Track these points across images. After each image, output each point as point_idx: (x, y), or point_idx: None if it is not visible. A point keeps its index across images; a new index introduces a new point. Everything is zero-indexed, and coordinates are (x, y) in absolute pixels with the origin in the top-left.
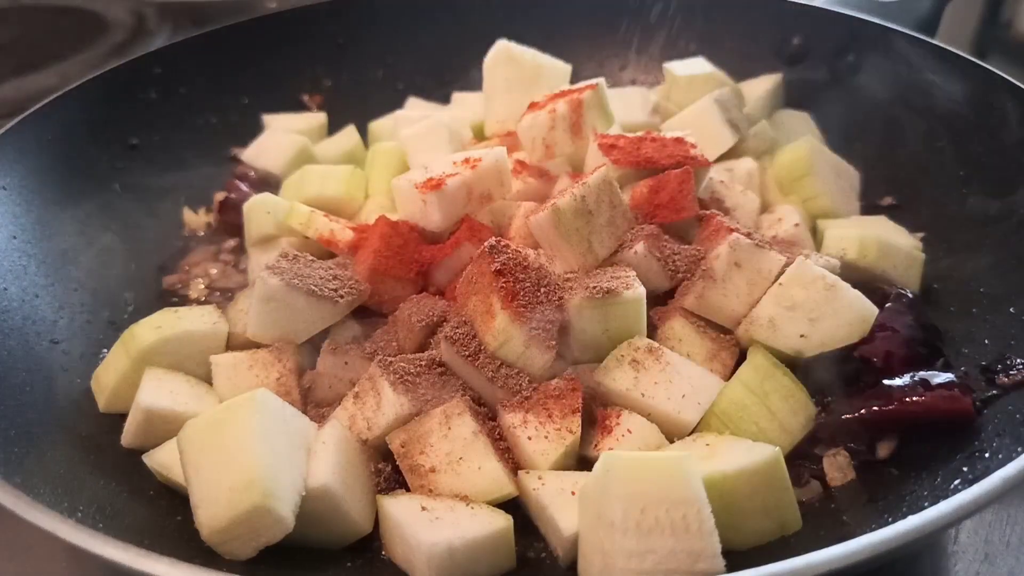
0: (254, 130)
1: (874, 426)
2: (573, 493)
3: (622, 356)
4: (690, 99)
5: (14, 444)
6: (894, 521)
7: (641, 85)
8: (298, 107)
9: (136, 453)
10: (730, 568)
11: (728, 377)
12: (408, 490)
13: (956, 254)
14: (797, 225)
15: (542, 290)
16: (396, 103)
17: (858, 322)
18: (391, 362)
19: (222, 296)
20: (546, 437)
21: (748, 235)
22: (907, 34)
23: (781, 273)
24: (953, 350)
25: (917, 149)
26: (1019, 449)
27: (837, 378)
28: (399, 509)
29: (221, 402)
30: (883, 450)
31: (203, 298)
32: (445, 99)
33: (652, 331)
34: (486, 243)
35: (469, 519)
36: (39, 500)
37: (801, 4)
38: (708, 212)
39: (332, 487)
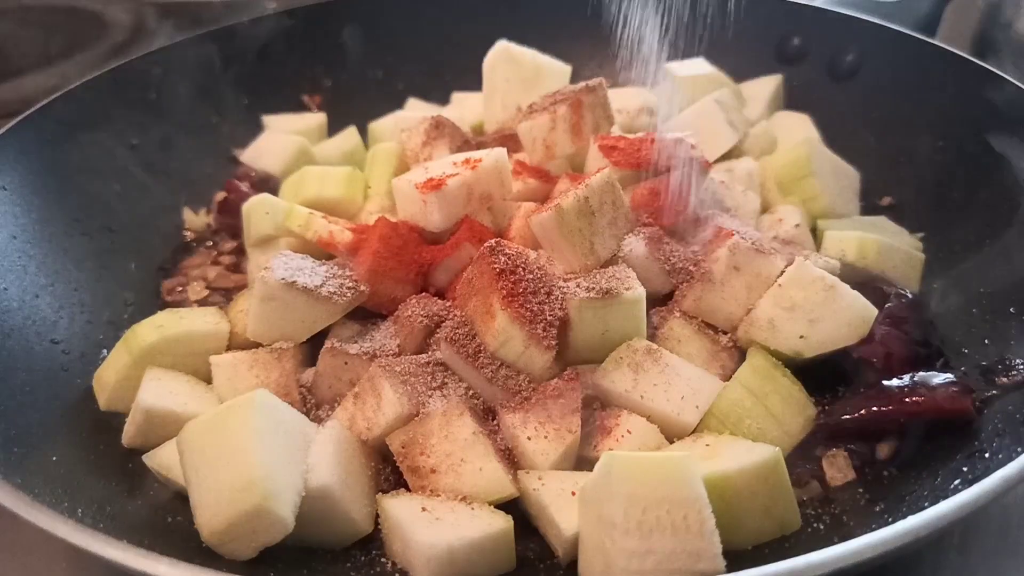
0: (254, 130)
1: (874, 426)
2: (573, 493)
3: (621, 358)
4: (690, 99)
5: (14, 444)
6: (894, 521)
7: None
8: (298, 107)
9: (136, 453)
10: (730, 568)
11: (728, 378)
12: (409, 490)
13: (956, 254)
14: (798, 226)
15: (542, 290)
16: (396, 103)
17: (857, 323)
18: (391, 362)
19: (222, 297)
20: (546, 437)
21: (748, 238)
22: (907, 34)
23: (781, 274)
24: (953, 350)
25: (917, 149)
26: (1019, 449)
27: (837, 379)
28: (399, 509)
29: (221, 402)
30: (883, 450)
31: (203, 299)
32: (445, 99)
33: (652, 332)
34: (486, 244)
35: (469, 520)
36: (39, 500)
37: (801, 4)
38: (709, 213)
39: (332, 487)
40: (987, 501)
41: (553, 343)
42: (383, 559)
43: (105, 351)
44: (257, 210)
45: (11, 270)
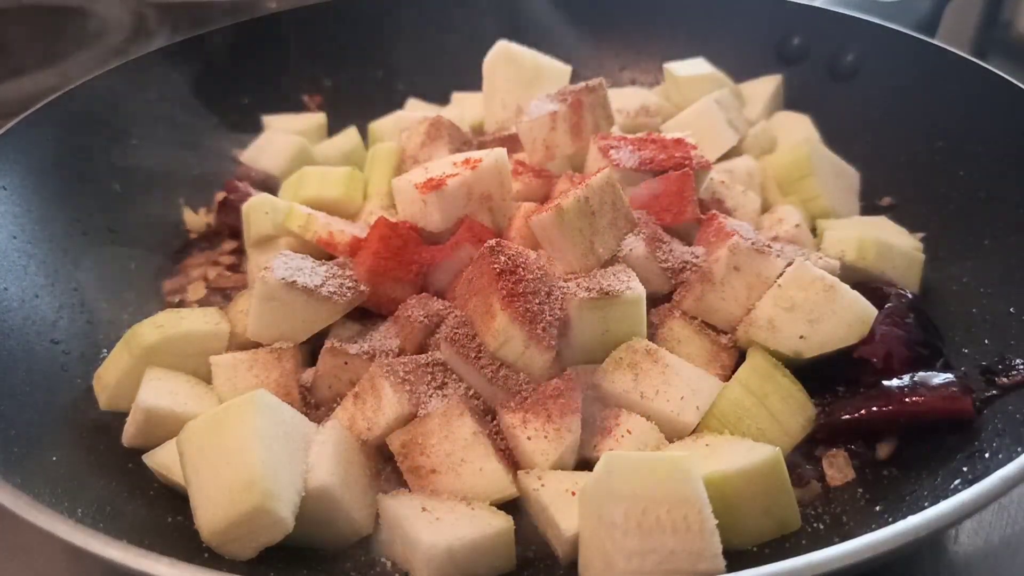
0: (254, 130)
1: (874, 426)
2: (573, 493)
3: (621, 358)
4: (690, 99)
5: (14, 444)
6: (894, 521)
7: (641, 85)
8: (298, 107)
9: (136, 453)
10: (730, 568)
11: (728, 378)
12: (409, 490)
13: (956, 254)
14: (798, 226)
15: (542, 290)
16: (396, 103)
17: (857, 323)
18: (391, 362)
19: (222, 297)
20: (546, 437)
21: (748, 238)
22: (907, 34)
23: (781, 275)
24: (953, 350)
25: (917, 149)
26: (1019, 449)
27: (837, 379)
28: (399, 509)
29: (221, 402)
30: (883, 450)
31: (203, 299)
32: (445, 99)
33: (652, 332)
34: (486, 244)
35: (469, 520)
36: (39, 500)
37: (801, 4)
38: (710, 213)
39: (332, 487)
40: (987, 501)
41: (553, 343)
42: (383, 559)
43: (105, 351)
44: (257, 210)
45: (11, 270)
